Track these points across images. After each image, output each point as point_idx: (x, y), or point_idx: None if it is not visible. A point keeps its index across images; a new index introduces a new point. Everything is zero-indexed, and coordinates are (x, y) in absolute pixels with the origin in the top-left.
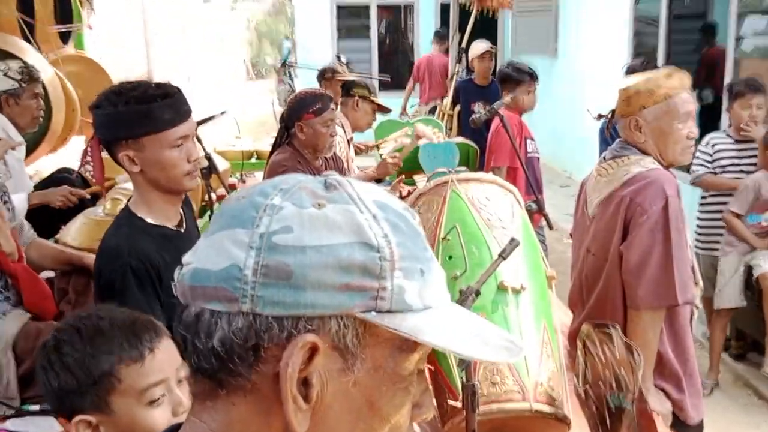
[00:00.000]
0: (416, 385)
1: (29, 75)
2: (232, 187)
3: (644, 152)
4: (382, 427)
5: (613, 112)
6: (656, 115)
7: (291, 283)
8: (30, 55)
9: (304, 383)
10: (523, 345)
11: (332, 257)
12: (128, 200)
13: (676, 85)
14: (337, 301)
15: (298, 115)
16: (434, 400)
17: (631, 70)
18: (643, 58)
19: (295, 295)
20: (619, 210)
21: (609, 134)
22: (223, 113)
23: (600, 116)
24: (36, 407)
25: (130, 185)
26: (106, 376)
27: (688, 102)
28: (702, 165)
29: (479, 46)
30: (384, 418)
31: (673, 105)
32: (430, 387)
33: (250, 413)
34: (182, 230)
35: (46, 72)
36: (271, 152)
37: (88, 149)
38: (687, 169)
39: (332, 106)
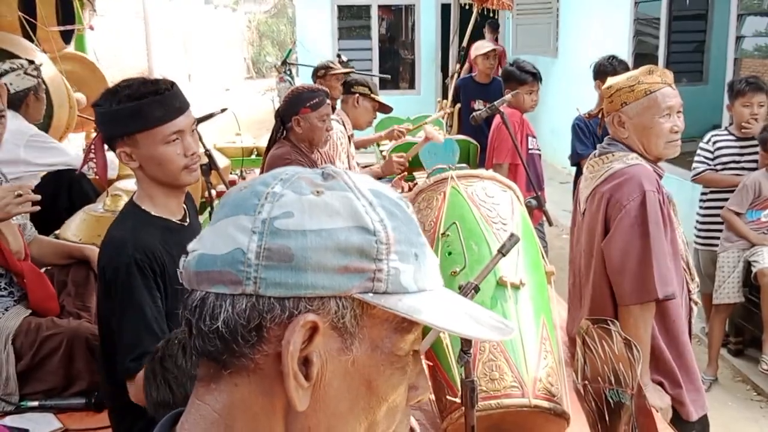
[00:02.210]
0: (412, 366)
1: (39, 70)
2: (232, 184)
3: (629, 148)
4: (380, 406)
5: (601, 110)
6: (637, 111)
7: (292, 265)
8: (32, 53)
9: (305, 362)
10: (514, 326)
11: (331, 240)
12: (133, 194)
13: (657, 81)
14: (336, 283)
15: (295, 109)
16: (432, 394)
17: (597, 67)
18: (609, 56)
19: (297, 276)
20: (600, 206)
21: (600, 132)
22: (223, 110)
23: (590, 115)
24: (35, 403)
25: (127, 183)
26: None
27: (669, 97)
28: (703, 162)
29: (483, 44)
30: (381, 397)
31: (654, 100)
32: (426, 370)
33: (253, 393)
34: (186, 224)
35: (49, 70)
36: (268, 146)
37: (92, 147)
38: (688, 166)
39: (328, 101)
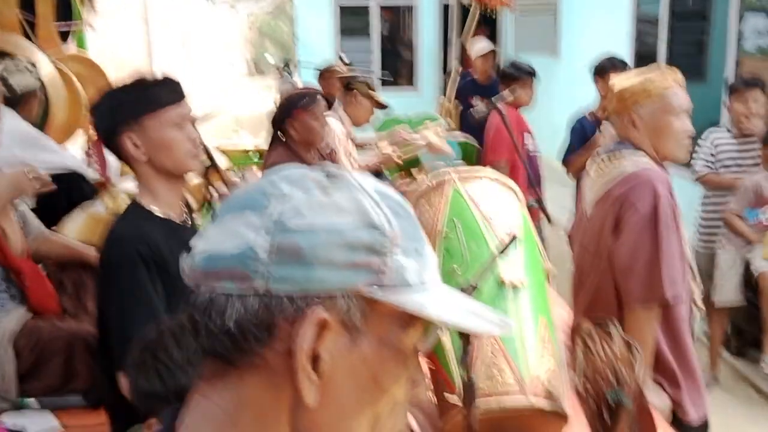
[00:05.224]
0: (411, 360)
1: (38, 70)
2: (232, 184)
3: (639, 148)
4: (383, 399)
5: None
6: (651, 111)
7: (302, 262)
8: (33, 53)
9: (315, 358)
10: (511, 321)
11: (340, 237)
12: (135, 196)
13: (670, 82)
14: (344, 278)
15: (289, 113)
16: (433, 394)
17: (599, 69)
18: (611, 57)
19: (306, 272)
20: (612, 208)
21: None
22: (216, 115)
23: (595, 116)
24: (33, 401)
25: (127, 183)
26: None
27: (682, 98)
28: (705, 164)
29: (481, 45)
30: (385, 391)
31: (668, 101)
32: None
33: (261, 390)
34: (188, 224)
35: (47, 70)
36: (268, 153)
37: (91, 148)
38: (688, 165)
39: (319, 97)
